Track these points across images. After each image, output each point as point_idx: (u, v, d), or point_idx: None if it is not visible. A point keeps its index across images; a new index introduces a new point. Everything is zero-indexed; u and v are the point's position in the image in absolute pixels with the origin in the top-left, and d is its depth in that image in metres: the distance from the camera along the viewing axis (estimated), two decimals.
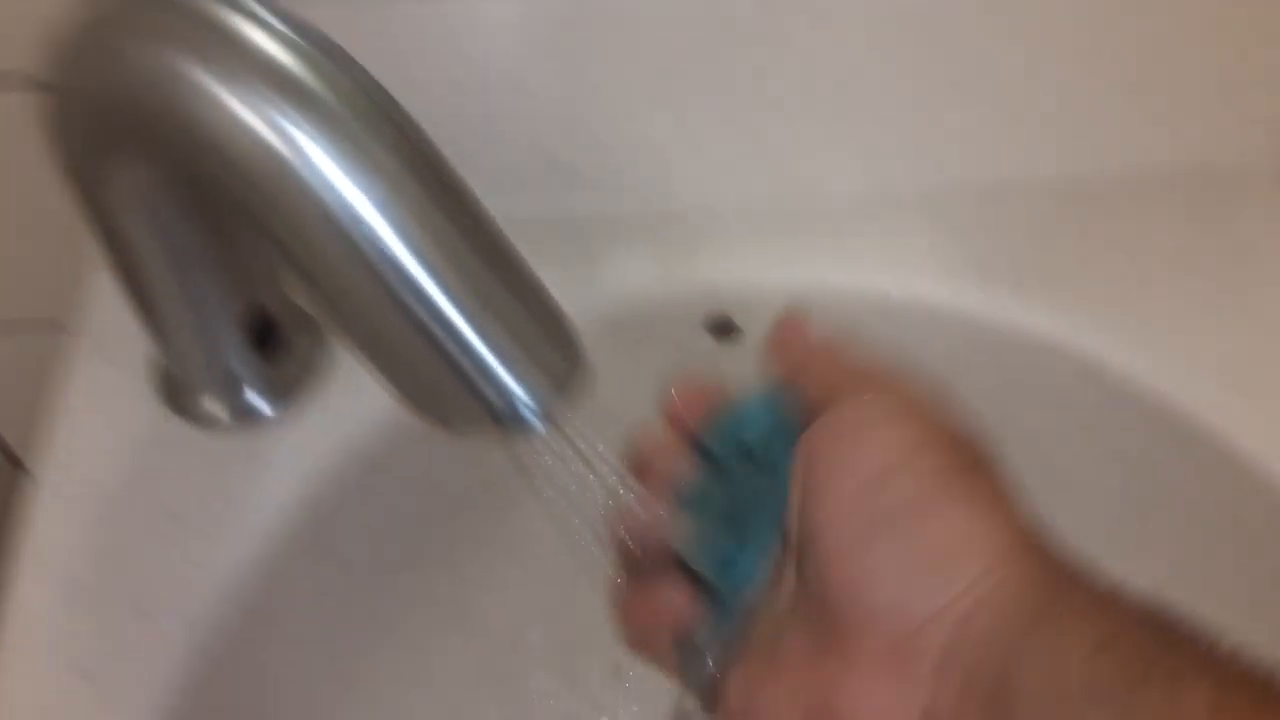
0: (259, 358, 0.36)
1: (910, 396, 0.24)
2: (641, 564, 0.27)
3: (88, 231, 0.31)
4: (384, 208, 0.23)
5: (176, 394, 0.37)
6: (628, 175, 0.44)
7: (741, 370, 0.46)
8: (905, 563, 0.22)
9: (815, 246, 0.44)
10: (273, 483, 0.37)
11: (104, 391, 0.38)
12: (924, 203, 0.45)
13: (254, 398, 0.37)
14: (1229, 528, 0.41)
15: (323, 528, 0.37)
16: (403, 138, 0.24)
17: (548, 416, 0.25)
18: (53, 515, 0.36)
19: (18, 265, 0.49)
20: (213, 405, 0.37)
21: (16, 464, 0.59)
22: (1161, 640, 0.20)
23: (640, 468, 0.28)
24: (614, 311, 0.43)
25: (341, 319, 0.25)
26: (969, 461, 0.23)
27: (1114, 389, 0.41)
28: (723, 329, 0.45)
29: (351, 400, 0.38)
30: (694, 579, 0.26)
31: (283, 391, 0.38)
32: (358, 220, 0.23)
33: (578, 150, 0.43)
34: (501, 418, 0.25)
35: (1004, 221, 0.45)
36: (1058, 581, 0.22)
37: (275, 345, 0.36)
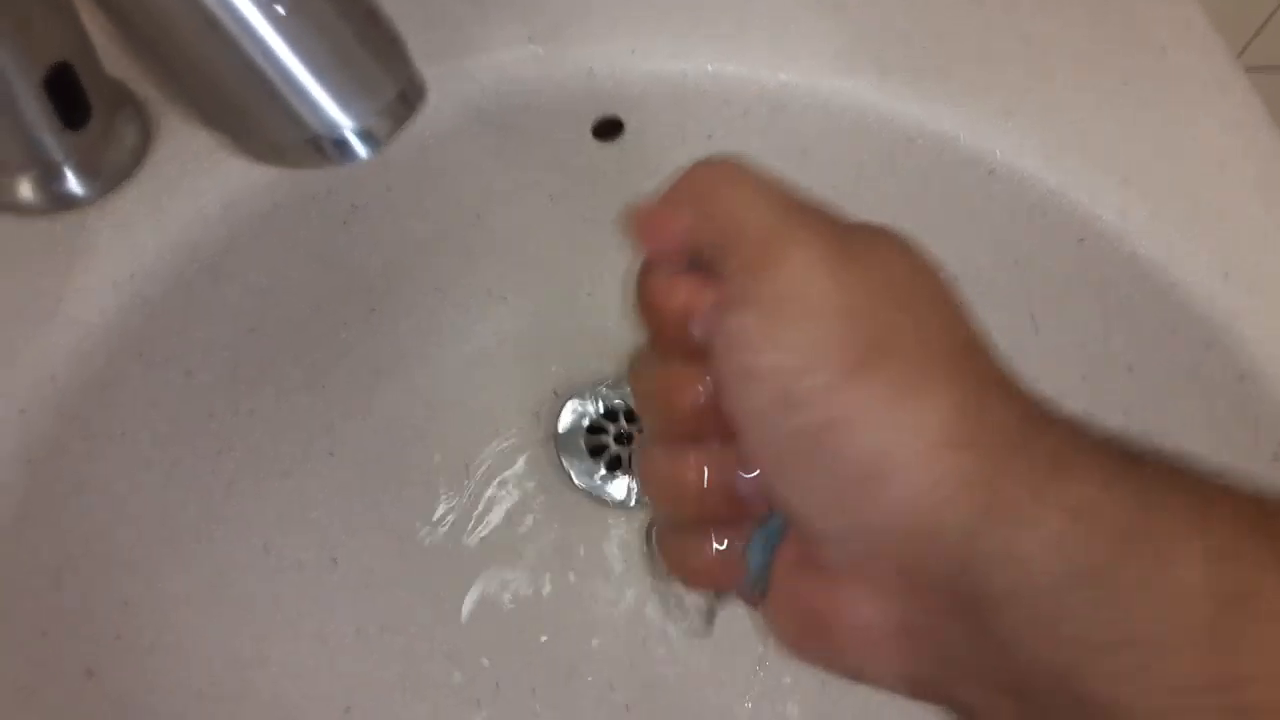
0: (69, 131, 0.32)
1: (816, 265, 0.20)
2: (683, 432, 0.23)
3: None
4: None
5: None
6: None
7: (623, 171, 0.43)
8: (834, 482, 0.19)
9: (703, 32, 0.41)
10: (92, 274, 0.32)
11: None
12: None
13: (65, 177, 0.33)
14: (1126, 329, 0.40)
15: (154, 329, 0.34)
16: None
17: (371, 139, 0.21)
18: None
19: None
20: (19, 186, 0.32)
21: None
22: (1140, 494, 0.18)
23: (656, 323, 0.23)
24: (480, 97, 0.39)
25: (139, 31, 0.21)
26: (883, 349, 0.19)
27: (1012, 185, 0.40)
28: (606, 129, 0.42)
29: (181, 183, 0.34)
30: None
31: (100, 173, 0.33)
32: None
33: None
34: (314, 136, 0.21)
35: (903, 13, 0.42)
36: (1010, 445, 0.19)
37: (86, 116, 0.32)
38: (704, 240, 0.22)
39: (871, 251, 0.21)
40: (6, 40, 0.29)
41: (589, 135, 0.42)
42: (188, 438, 0.37)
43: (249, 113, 0.21)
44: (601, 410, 0.47)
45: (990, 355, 0.21)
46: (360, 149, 0.21)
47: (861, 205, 0.42)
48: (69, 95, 0.31)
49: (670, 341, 0.22)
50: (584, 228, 0.45)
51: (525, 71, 0.39)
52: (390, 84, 0.22)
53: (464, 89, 0.39)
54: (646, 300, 0.23)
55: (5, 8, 0.28)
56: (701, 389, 0.22)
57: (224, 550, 0.38)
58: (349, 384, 0.42)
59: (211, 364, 0.37)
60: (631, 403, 0.48)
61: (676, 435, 0.22)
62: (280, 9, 0.20)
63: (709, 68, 0.40)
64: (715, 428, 0.21)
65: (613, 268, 0.47)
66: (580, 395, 0.47)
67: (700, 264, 0.22)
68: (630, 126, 0.42)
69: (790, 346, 0.19)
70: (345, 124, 0.21)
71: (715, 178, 0.22)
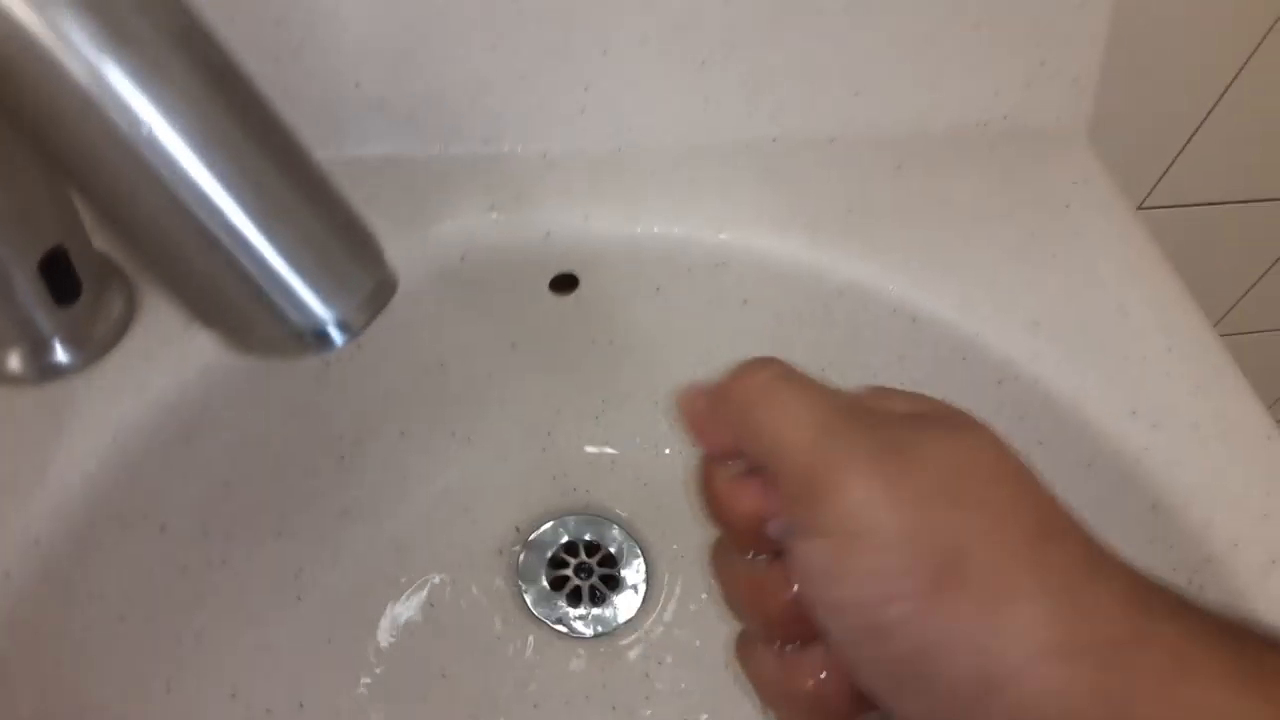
0: (59, 306, 0.34)
1: (876, 487, 0.19)
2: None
3: None
4: (157, 100, 0.21)
5: None
6: (457, 117, 0.43)
7: (578, 323, 0.46)
8: (944, 701, 0.19)
9: (649, 195, 0.44)
10: (76, 439, 0.34)
11: None
12: (757, 153, 0.46)
13: (54, 350, 0.35)
14: (1046, 465, 0.43)
15: (133, 489, 0.35)
16: (180, 25, 0.22)
17: (347, 329, 0.24)
18: None
19: None
20: (10, 359, 0.35)
21: None
22: (1273, 698, 0.17)
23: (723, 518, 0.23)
24: (446, 260, 0.42)
25: (126, 231, 0.23)
26: (958, 567, 0.19)
27: (933, 333, 0.43)
28: (562, 284, 0.45)
29: (161, 352, 0.36)
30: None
31: (86, 344, 0.36)
32: (128, 113, 0.21)
33: (403, 89, 0.43)
34: (296, 331, 0.24)
35: (831, 175, 0.46)
36: (1123, 645, 0.18)
37: (76, 294, 0.34)
38: (752, 457, 0.21)
39: (927, 448, 0.20)
40: (7, 227, 0.32)
41: (547, 290, 0.45)
42: (161, 592, 0.38)
43: (234, 312, 0.24)
44: (562, 543, 0.49)
45: (1078, 535, 0.20)
46: (338, 338, 0.24)
47: (800, 349, 0.46)
48: (61, 275, 0.34)
49: (744, 538, 0.22)
50: (543, 373, 0.48)
51: (487, 235, 0.43)
52: (367, 279, 0.24)
53: (430, 252, 0.42)
54: (712, 498, 0.22)
55: (7, 198, 0.31)
56: (792, 590, 0.21)
57: (193, 699, 0.39)
58: (317, 529, 0.44)
59: (185, 519, 0.39)
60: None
61: (779, 636, 0.22)
62: (264, 215, 0.23)
63: (656, 229, 0.44)
64: (814, 629, 0.21)
65: (570, 409, 0.50)
66: (541, 531, 0.49)
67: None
68: (585, 281, 0.45)
69: (862, 580, 0.19)
70: (326, 318, 0.24)
71: (754, 389, 0.22)
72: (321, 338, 0.24)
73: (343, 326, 0.24)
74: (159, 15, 0.22)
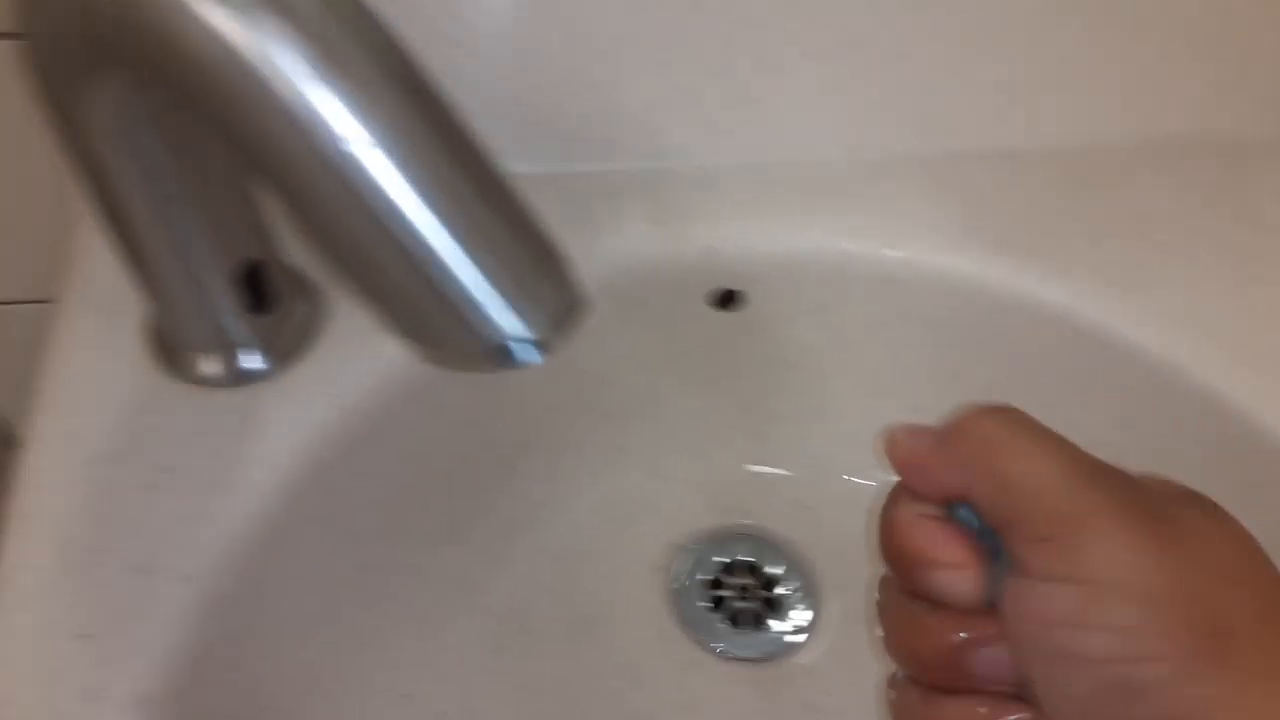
0: (252, 315, 0.36)
1: (1129, 540, 0.19)
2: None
3: (78, 195, 0.31)
4: (364, 120, 0.22)
5: (169, 353, 0.37)
6: (621, 134, 0.44)
7: (741, 339, 0.46)
8: None
9: (815, 210, 0.44)
10: (269, 441, 0.36)
11: (96, 352, 0.38)
12: (926, 168, 0.45)
13: (247, 355, 0.37)
14: (1238, 493, 0.40)
15: (320, 490, 0.37)
16: (381, 44, 0.23)
17: (542, 347, 0.24)
18: (46, 476, 0.35)
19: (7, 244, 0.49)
20: (206, 364, 0.37)
21: (8, 442, 0.59)
22: None
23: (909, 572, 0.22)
24: (610, 274, 0.42)
25: (328, 243, 0.24)
26: (1225, 632, 0.18)
27: (1120, 356, 0.41)
28: (724, 300, 0.44)
29: (347, 360, 0.38)
30: None
31: (277, 351, 0.37)
32: (334, 133, 0.22)
33: (570, 107, 0.43)
34: (492, 347, 0.24)
35: (1007, 189, 0.44)
36: None
37: (269, 304, 0.36)
38: (985, 500, 0.21)
39: (1187, 518, 0.20)
40: (206, 238, 0.33)
41: (708, 306, 0.45)
42: (341, 593, 0.40)
43: (429, 325, 0.24)
44: (721, 562, 0.49)
45: None
46: (531, 357, 0.24)
47: (973, 372, 0.44)
48: (257, 286, 0.35)
49: (913, 580, 0.22)
50: (704, 390, 0.48)
51: (649, 250, 0.43)
52: (562, 299, 0.25)
53: (593, 267, 0.42)
54: (893, 536, 0.22)
55: (206, 210, 0.33)
56: (958, 642, 0.21)
57: (369, 699, 0.41)
58: (486, 538, 0.45)
59: (366, 522, 0.40)
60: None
61: (931, 681, 0.22)
62: (464, 232, 0.23)
63: (821, 244, 0.43)
64: (967, 681, 0.21)
65: (731, 427, 0.49)
66: (701, 549, 0.49)
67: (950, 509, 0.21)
68: (748, 297, 0.44)
69: (1122, 630, 0.18)
70: (522, 336, 0.24)
71: (997, 433, 0.21)
72: (514, 355, 0.24)
73: (538, 345, 0.24)
74: (362, 33, 0.23)
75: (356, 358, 0.38)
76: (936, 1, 0.41)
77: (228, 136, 0.24)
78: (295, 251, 0.39)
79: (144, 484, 0.35)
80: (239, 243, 0.35)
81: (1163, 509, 0.20)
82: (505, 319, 0.24)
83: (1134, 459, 0.42)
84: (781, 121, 0.44)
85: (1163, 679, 0.18)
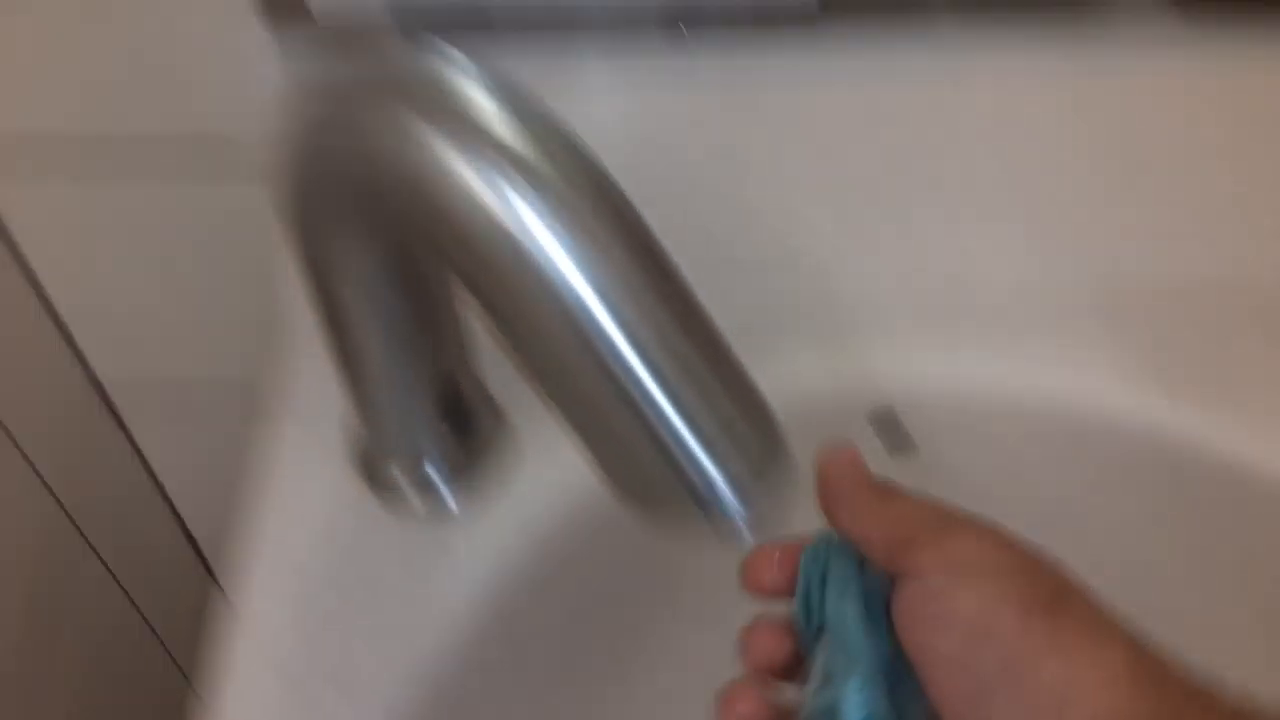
0: (451, 441, 0.37)
1: (987, 541, 0.25)
2: None
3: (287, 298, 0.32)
4: (603, 284, 0.24)
5: (372, 471, 0.39)
6: (790, 263, 0.44)
7: (898, 475, 0.45)
8: (1023, 709, 0.23)
9: (985, 344, 0.43)
10: (461, 567, 0.37)
11: (302, 466, 0.40)
12: (1099, 301, 0.44)
13: (446, 482, 0.38)
14: None
15: (508, 620, 0.38)
16: (622, 217, 0.25)
17: (753, 509, 0.25)
18: (254, 591, 0.37)
19: (215, 327, 0.53)
20: (405, 484, 0.38)
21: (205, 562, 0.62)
22: None
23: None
24: (780, 409, 0.43)
25: (554, 393, 0.26)
26: (1063, 599, 0.24)
27: None
28: (888, 429, 0.44)
29: (537, 486, 0.39)
30: None
31: (472, 477, 0.39)
32: (576, 295, 0.24)
33: (739, 236, 0.44)
34: (708, 519, 0.25)
35: (1186, 324, 0.43)
36: (1189, 694, 0.22)
37: (467, 428, 0.38)
38: (877, 536, 0.27)
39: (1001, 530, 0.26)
40: (415, 365, 0.35)
41: (873, 439, 0.45)
42: (533, 709, 0.40)
43: (646, 486, 0.25)
44: None
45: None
46: (744, 528, 0.25)
47: (1152, 523, 0.43)
48: (456, 411, 0.37)
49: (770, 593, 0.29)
50: None
51: (816, 383, 0.43)
52: (777, 470, 0.25)
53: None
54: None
55: (422, 333, 0.35)
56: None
57: None
58: (651, 681, 0.45)
59: (543, 652, 0.41)
60: None
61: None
62: (681, 393, 0.24)
63: (990, 381, 0.43)
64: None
65: None
66: None
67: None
68: (914, 430, 0.44)
69: (982, 593, 0.24)
70: (738, 507, 0.25)
71: (844, 483, 0.28)
72: (727, 523, 0.25)
73: (751, 518, 0.25)
74: (602, 198, 0.25)
75: (547, 487, 0.39)
76: (1104, 133, 0.42)
77: (472, 293, 0.26)
78: (490, 373, 0.41)
79: (348, 604, 0.37)
80: (446, 368, 0.36)
81: (978, 522, 0.26)
82: (726, 494, 0.25)
83: None
84: (949, 248, 0.44)
85: (1008, 623, 0.23)
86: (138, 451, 0.59)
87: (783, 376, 0.43)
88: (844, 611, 0.26)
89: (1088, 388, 0.42)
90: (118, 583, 0.59)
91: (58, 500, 0.53)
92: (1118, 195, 0.43)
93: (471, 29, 0.39)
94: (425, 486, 0.38)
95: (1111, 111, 0.41)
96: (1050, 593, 0.24)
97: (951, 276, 0.45)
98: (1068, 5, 0.39)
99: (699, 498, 0.25)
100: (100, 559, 0.57)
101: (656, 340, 0.24)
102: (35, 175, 0.46)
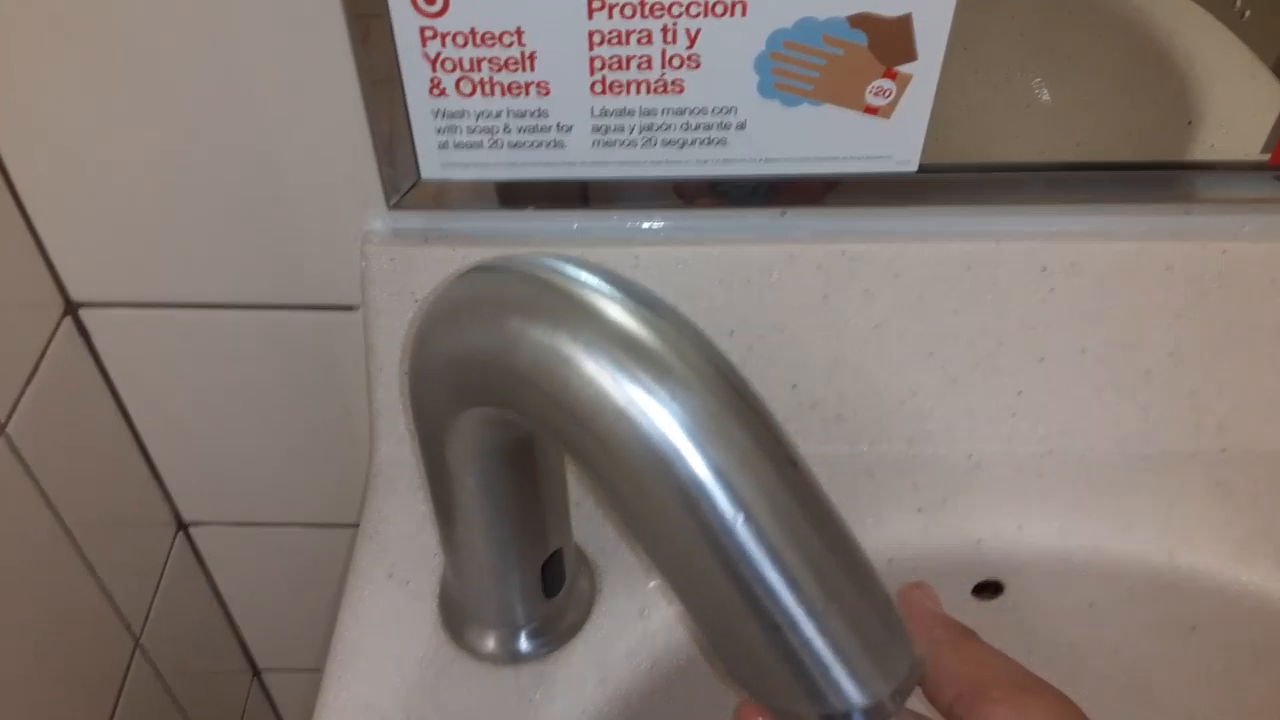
0: (545, 602, 0.37)
1: (1064, 711, 0.26)
2: None
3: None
4: (734, 486, 0.24)
5: (457, 624, 0.39)
6: (885, 417, 0.44)
7: (1001, 631, 0.44)
8: None
9: (1086, 505, 0.43)
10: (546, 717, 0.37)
11: (389, 614, 0.40)
12: (1204, 467, 0.44)
13: (532, 637, 0.38)
14: None
15: None
16: (752, 412, 0.25)
17: (880, 715, 0.24)
18: None
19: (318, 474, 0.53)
20: (492, 640, 0.38)
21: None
22: None
23: None
24: (874, 561, 0.42)
25: (679, 588, 0.26)
26: None
27: None
28: (985, 588, 0.43)
29: (618, 640, 0.39)
30: None
31: (558, 631, 0.38)
32: (705, 492, 0.23)
33: (835, 390, 0.44)
34: (832, 715, 0.24)
35: None
36: None
37: (559, 588, 0.38)
38: (951, 673, 0.26)
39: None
40: (521, 537, 0.35)
41: (969, 594, 0.44)
42: None
43: (769, 681, 0.25)
44: None
45: None
46: None
47: (1260, 688, 0.41)
48: (552, 573, 0.37)
49: None
50: None
51: (914, 539, 0.43)
52: (903, 668, 0.25)
53: None
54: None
55: (527, 513, 0.35)
56: None
57: None
58: None
59: None
60: None
61: None
62: (817, 604, 0.24)
63: (1096, 544, 0.42)
64: None
65: None
66: None
67: None
68: (1011, 589, 0.43)
69: None
70: (861, 706, 0.24)
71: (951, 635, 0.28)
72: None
73: (874, 712, 0.24)
74: (737, 396, 0.25)
75: (627, 638, 0.39)
76: (1208, 295, 0.41)
77: (599, 486, 0.26)
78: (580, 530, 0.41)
79: None
80: (549, 539, 0.36)
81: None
82: (851, 691, 0.24)
83: None
84: (1051, 413, 0.44)
85: None
86: (215, 590, 0.59)
87: (877, 530, 0.43)
88: None
89: (1192, 551, 0.41)
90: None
91: (131, 631, 0.53)
92: (1224, 359, 0.43)
93: (570, 204, 0.40)
94: (514, 652, 0.38)
95: (1215, 274, 0.41)
96: None
97: (1049, 431, 0.45)
98: (1167, 168, 0.39)
99: (821, 701, 0.24)
100: (172, 696, 0.57)
101: (787, 540, 0.24)
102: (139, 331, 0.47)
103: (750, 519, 0.24)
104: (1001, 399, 0.44)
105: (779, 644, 0.24)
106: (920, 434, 0.45)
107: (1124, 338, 0.42)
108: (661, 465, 0.24)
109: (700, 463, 0.24)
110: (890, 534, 0.43)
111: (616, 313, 0.25)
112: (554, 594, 0.37)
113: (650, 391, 0.24)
